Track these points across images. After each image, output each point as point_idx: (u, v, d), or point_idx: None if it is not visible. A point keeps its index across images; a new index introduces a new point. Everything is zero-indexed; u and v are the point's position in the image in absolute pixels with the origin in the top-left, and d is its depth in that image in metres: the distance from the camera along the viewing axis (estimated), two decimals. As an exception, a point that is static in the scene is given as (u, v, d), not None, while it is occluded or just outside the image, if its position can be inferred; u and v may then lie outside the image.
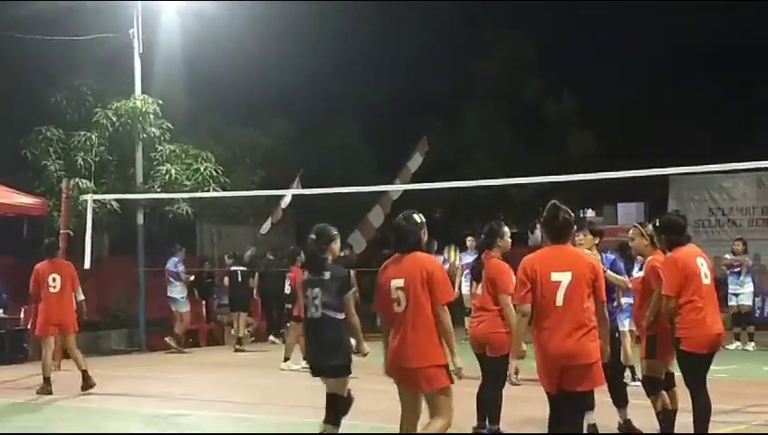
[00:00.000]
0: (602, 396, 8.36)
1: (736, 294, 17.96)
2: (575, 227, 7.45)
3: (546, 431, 6.94)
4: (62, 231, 16.45)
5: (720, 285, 14.96)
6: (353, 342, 8.00)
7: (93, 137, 19.60)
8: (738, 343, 17.73)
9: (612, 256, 9.93)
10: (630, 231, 9.04)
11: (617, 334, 9.25)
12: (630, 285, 9.37)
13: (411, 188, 19.07)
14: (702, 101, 27.79)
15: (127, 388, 13.54)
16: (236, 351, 18.77)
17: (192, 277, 19.89)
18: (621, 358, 9.92)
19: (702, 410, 7.89)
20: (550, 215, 6.96)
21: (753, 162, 12.73)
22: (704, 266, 8.07)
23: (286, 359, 15.30)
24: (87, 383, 12.96)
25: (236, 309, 19.56)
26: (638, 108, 28.02)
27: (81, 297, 13.53)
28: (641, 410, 9.00)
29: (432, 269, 7.04)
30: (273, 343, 19.14)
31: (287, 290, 16.10)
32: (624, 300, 10.66)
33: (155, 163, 20.06)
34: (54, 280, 13.10)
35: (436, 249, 18.06)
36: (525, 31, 27.42)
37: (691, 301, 7.91)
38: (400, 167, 20.96)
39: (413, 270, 7.03)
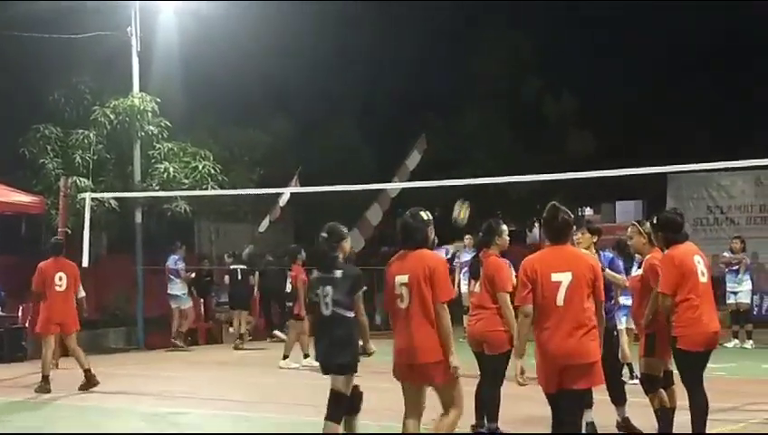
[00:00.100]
0: (600, 394, 8.34)
1: (735, 292, 18.00)
2: (575, 227, 7.45)
3: (546, 431, 6.95)
4: (60, 229, 16.44)
5: (718, 283, 15.02)
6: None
7: (91, 135, 19.57)
8: (736, 341, 17.76)
9: (611, 255, 9.91)
10: (628, 229, 9.01)
11: (614, 332, 9.25)
12: (628, 284, 9.36)
13: (409, 187, 19.04)
14: (702, 101, 27.75)
15: (125, 386, 13.51)
16: (236, 349, 18.76)
17: (193, 275, 19.90)
18: (619, 356, 9.91)
19: (699, 409, 7.88)
20: (549, 215, 6.96)
21: (750, 160, 12.73)
22: (700, 264, 8.06)
23: (285, 357, 15.30)
24: (90, 383, 12.92)
25: (237, 307, 19.54)
26: (638, 108, 27.95)
27: (82, 294, 13.57)
28: (639, 409, 8.99)
29: (434, 266, 7.08)
30: (280, 338, 18.98)
31: (288, 289, 16.09)
32: (621, 299, 10.66)
33: (153, 161, 20.04)
34: (61, 279, 13.10)
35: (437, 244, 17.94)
36: (525, 31, 27.40)
37: (687, 299, 7.90)
38: (399, 165, 20.97)
39: (417, 267, 7.07)
